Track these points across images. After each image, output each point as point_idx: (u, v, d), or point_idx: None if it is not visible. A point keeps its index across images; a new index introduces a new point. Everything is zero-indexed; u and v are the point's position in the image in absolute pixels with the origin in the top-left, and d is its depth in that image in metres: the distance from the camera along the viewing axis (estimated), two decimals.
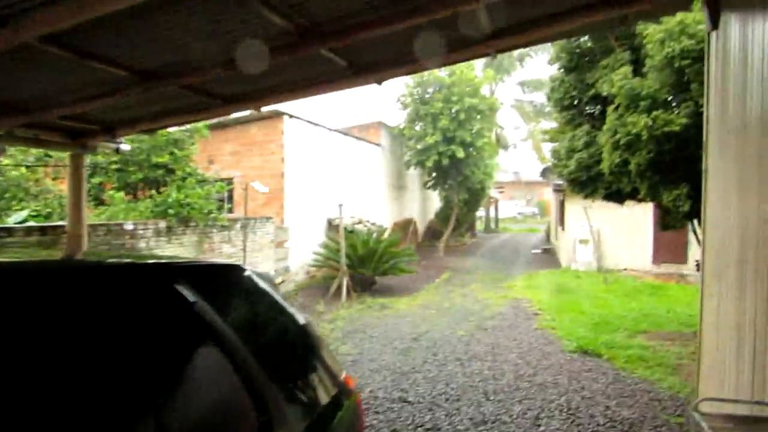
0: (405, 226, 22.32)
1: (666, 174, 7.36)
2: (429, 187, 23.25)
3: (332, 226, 14.75)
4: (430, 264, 18.87)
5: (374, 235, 13.74)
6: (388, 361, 7.48)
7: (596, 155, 8.57)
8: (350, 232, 14.02)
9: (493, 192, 36.84)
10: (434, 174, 21.68)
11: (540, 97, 34.37)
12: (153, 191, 8.88)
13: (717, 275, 4.37)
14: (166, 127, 7.55)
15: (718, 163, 4.52)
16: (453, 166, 20.24)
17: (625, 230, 17.05)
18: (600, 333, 8.88)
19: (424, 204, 27.14)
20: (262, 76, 5.01)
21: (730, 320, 3.97)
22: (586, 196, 9.71)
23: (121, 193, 8.39)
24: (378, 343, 8.49)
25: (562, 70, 9.23)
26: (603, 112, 8.26)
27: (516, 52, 32.26)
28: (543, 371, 7.08)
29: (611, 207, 15.27)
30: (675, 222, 8.77)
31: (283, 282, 12.55)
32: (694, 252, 16.17)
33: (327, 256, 13.27)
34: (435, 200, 27.97)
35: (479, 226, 34.87)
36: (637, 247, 16.99)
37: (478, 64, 25.20)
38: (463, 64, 20.80)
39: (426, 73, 20.14)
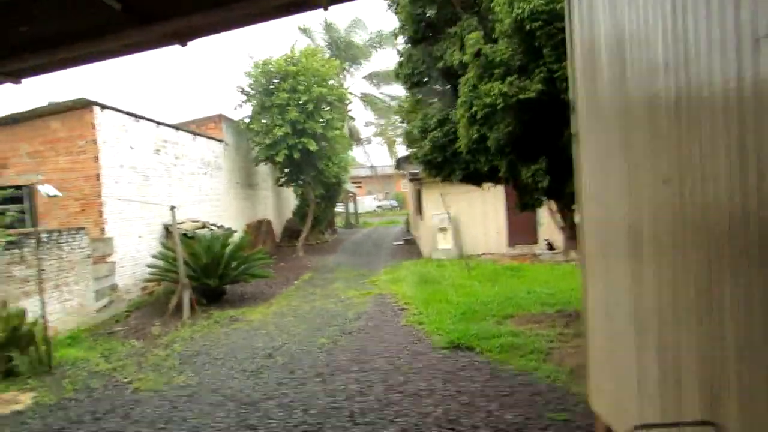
0: (259, 228, 20.73)
1: (525, 149, 6.94)
2: (282, 184, 21.87)
3: (170, 233, 12.84)
4: (289, 265, 17.61)
5: (219, 239, 12.14)
6: (235, 389, 6.17)
7: (451, 134, 7.99)
8: (190, 238, 12.26)
9: (350, 187, 36.36)
10: (287, 170, 20.36)
11: (390, 90, 34.50)
12: None
13: (602, 255, 3.77)
14: None
15: (592, 125, 3.93)
16: (306, 160, 19.09)
17: (480, 216, 17.27)
18: (469, 323, 8.38)
19: (279, 203, 25.67)
20: None
21: (623, 310, 3.36)
22: (443, 179, 9.16)
23: None
24: (224, 366, 7.11)
25: (408, 43, 8.53)
26: (455, 88, 7.68)
27: (362, 43, 31.90)
28: (415, 376, 6.27)
29: (467, 193, 15.26)
30: (532, 201, 8.53)
31: (111, 303, 10.51)
32: (543, 232, 16.86)
33: (166, 268, 11.44)
34: (291, 198, 26.61)
35: (339, 222, 34.18)
36: (492, 231, 17.30)
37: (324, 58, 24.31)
38: (307, 52, 19.77)
39: (271, 60, 18.80)
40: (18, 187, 10.25)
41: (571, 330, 7.72)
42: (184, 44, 4.39)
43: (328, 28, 31.09)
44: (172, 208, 10.85)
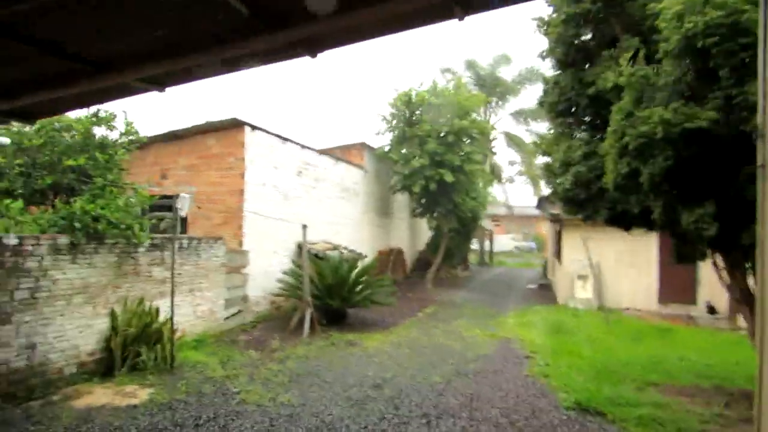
0: (390, 256, 20.77)
1: (686, 188, 5.92)
2: (417, 215, 21.78)
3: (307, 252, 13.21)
4: (416, 296, 17.29)
5: (347, 262, 12.20)
6: (335, 417, 5.87)
7: (597, 168, 7.14)
8: (321, 259, 12.48)
9: (487, 224, 35.42)
10: (422, 200, 20.24)
11: (538, 128, 33.33)
12: (57, 201, 7.44)
13: None
14: None
15: None
16: (442, 192, 18.83)
17: (627, 265, 15.58)
18: (602, 384, 7.32)
19: (413, 233, 25.62)
20: (123, 28, 3.62)
21: None
22: (585, 219, 8.23)
23: (19, 202, 6.86)
24: (330, 390, 6.88)
25: (557, 67, 7.88)
26: (605, 117, 6.87)
27: (509, 79, 31.32)
28: None
29: (613, 239, 13.84)
30: (694, 252, 7.29)
31: (239, 312, 10.95)
32: (703, 291, 14.70)
33: (293, 285, 11.72)
34: (426, 230, 26.48)
35: (473, 258, 33.29)
36: (641, 284, 15.47)
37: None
38: (450, 85, 19.74)
39: (413, 92, 19.01)
40: (170, 197, 11.17)
41: (733, 413, 6.39)
42: (313, 54, 4.31)
43: (470, 65, 31.02)
44: (304, 227, 11.12)
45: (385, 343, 9.87)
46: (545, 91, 8.24)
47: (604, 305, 14.71)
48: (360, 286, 11.92)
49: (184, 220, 11.76)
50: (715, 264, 7.41)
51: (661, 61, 5.71)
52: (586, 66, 7.72)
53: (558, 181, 8.28)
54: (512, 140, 35.53)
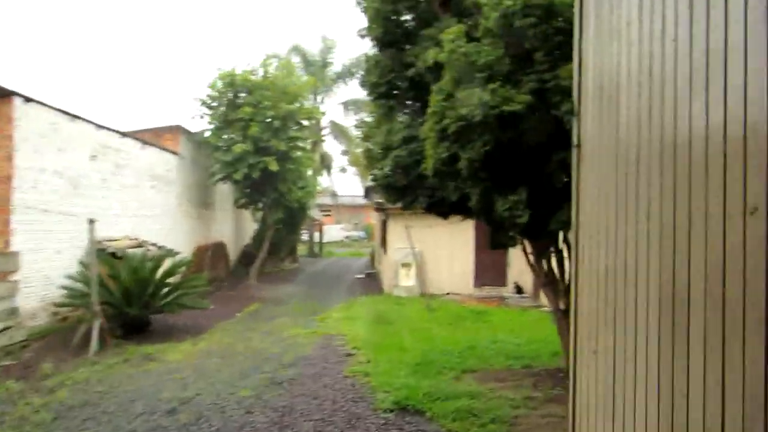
0: (210, 251, 19.12)
1: (502, 175, 5.77)
2: (241, 206, 20.38)
3: (99, 251, 11.21)
4: (237, 294, 16.06)
5: (150, 261, 10.60)
6: None
7: (417, 153, 6.79)
8: (118, 258, 10.71)
9: (317, 214, 34.95)
10: (246, 190, 18.93)
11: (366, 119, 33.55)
12: None
13: (610, 310, 2.54)
14: None
15: (605, 132, 2.76)
16: (267, 180, 17.74)
17: (447, 252, 16.11)
18: (422, 377, 7.08)
19: (238, 226, 24.04)
20: None
21: (651, 392, 2.13)
22: (405, 207, 7.96)
23: None
24: (109, 424, 5.57)
25: (376, 46, 7.39)
26: (426, 100, 6.53)
27: (339, 68, 31.21)
28: None
29: (434, 227, 14.01)
30: (507, 239, 7.34)
31: (4, 330, 8.83)
32: (512, 274, 15.75)
33: (81, 292, 9.84)
34: (253, 222, 25.08)
35: (302, 250, 32.59)
36: (459, 269, 16.12)
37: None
38: (280, 67, 18.77)
39: (236, 72, 17.60)
40: None
41: (540, 393, 6.53)
42: None
43: (296, 49, 30.21)
44: (91, 221, 9.35)
45: (192, 354, 8.64)
46: (367, 70, 7.72)
47: (427, 292, 15.00)
48: (166, 289, 10.45)
49: None
50: (524, 249, 7.56)
51: (480, 40, 5.44)
52: (407, 46, 7.33)
53: (378, 166, 7.86)
54: (340, 130, 35.45)
